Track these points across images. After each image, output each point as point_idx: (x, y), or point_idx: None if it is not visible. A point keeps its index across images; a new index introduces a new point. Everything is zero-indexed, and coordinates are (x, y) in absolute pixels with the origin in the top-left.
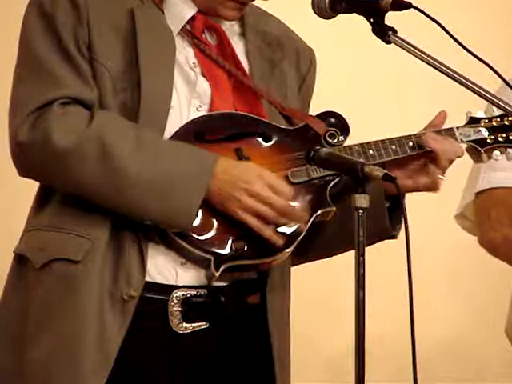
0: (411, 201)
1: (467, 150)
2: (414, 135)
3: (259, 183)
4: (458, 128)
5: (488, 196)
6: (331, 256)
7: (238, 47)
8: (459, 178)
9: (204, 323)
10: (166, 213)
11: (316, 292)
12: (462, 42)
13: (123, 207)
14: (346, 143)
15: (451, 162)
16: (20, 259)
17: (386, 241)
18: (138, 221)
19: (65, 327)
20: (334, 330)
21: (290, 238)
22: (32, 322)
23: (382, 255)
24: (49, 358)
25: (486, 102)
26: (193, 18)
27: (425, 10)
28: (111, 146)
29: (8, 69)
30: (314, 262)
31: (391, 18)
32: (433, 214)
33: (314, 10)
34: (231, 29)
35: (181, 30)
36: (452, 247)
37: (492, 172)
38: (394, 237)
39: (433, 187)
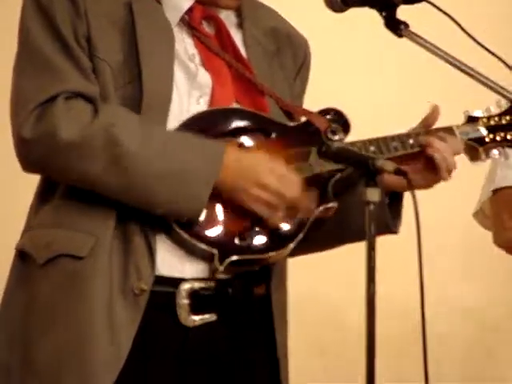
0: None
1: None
2: (415, 133)
3: (270, 175)
4: (457, 127)
5: (504, 194)
6: (329, 249)
7: (236, 38)
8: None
9: (212, 315)
10: (176, 203)
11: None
12: (473, 36)
13: (132, 198)
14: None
15: (452, 163)
16: (22, 256)
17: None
18: (147, 211)
19: (73, 324)
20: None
21: (291, 235)
22: (38, 319)
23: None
24: (58, 355)
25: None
26: (190, 9)
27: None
28: (119, 139)
29: (8, 69)
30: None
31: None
32: (447, 201)
33: (326, 4)
34: (228, 19)
35: (179, 21)
36: (466, 232)
37: (509, 170)
38: (394, 232)
39: (439, 181)
